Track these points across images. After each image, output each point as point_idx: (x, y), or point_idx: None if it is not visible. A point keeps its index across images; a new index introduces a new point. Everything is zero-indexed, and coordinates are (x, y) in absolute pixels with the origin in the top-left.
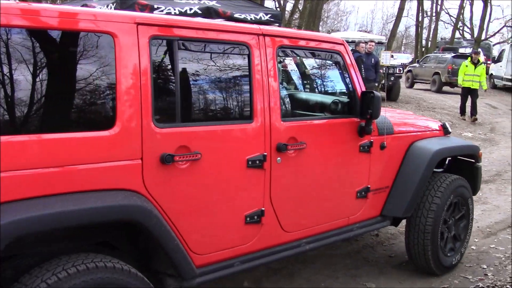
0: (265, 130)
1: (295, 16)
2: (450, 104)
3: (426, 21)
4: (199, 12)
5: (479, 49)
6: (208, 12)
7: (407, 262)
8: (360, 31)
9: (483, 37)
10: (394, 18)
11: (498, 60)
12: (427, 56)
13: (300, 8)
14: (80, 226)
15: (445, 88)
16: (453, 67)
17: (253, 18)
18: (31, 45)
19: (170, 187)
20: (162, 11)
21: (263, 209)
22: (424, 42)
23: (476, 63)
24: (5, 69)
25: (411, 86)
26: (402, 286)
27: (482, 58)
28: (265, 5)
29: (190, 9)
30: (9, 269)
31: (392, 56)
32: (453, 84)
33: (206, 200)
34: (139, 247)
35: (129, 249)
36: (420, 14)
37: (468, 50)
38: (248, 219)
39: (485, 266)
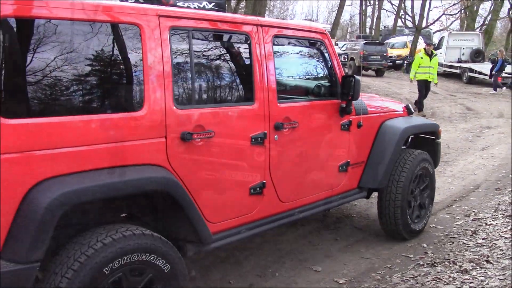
0: (264, 111)
1: (241, 4)
2: (393, 91)
3: (369, 9)
4: (141, 0)
5: (420, 37)
6: (149, 0)
7: (352, 244)
8: (306, 20)
9: (423, 25)
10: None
11: (437, 47)
12: (344, 44)
13: None
14: (115, 198)
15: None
16: (364, 53)
17: (197, 7)
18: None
19: (189, 162)
20: None
21: (264, 181)
22: (368, 30)
23: (430, 55)
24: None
25: None
26: (347, 268)
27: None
28: None
29: None
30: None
31: (336, 44)
32: (366, 68)
33: (218, 174)
34: (158, 217)
35: (149, 220)
36: (364, 3)
37: (410, 38)
38: (252, 190)
39: (425, 245)
